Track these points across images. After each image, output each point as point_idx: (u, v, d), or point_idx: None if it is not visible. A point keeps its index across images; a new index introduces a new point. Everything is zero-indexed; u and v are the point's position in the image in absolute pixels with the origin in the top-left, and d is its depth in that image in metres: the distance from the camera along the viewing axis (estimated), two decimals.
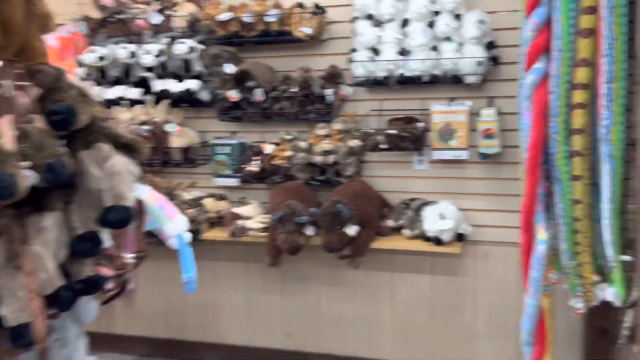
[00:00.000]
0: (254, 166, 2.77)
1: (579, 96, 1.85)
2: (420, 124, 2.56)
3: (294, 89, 2.70)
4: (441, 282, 2.80)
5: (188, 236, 1.75)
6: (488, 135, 2.48)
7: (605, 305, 2.13)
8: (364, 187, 2.60)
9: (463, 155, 2.55)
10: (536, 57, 1.90)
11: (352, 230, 2.43)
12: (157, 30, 2.84)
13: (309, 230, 2.52)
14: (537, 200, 1.94)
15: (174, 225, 1.64)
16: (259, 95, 2.68)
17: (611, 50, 1.62)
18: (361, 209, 2.50)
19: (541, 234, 1.91)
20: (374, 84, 2.63)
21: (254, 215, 2.77)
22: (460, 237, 2.49)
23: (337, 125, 2.73)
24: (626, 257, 1.78)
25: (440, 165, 2.72)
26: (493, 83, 2.58)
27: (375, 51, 2.60)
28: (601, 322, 2.34)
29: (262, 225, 2.68)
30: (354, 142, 2.66)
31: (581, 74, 1.83)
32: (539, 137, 1.89)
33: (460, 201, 2.69)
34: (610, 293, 1.77)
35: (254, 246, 2.94)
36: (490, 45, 2.45)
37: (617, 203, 1.71)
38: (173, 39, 2.76)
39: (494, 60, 2.52)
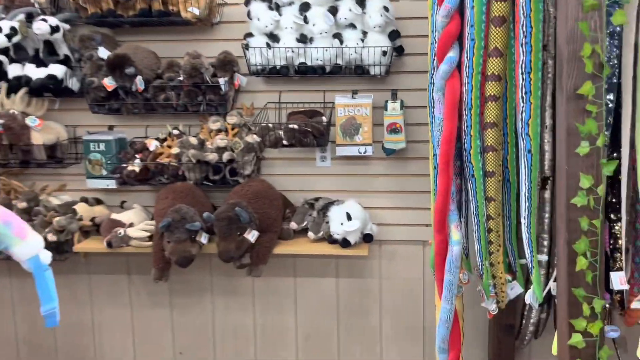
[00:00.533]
0: (135, 165, 2.40)
1: (492, 88, 1.75)
2: (323, 118, 2.37)
3: (182, 78, 2.38)
4: (346, 285, 2.65)
5: (46, 258, 1.39)
6: (394, 130, 2.35)
7: (511, 302, 2.10)
8: (264, 187, 2.35)
9: (368, 151, 2.40)
10: (449, 46, 1.78)
11: (252, 236, 2.18)
12: (9, 5, 2.36)
13: (202, 238, 2.22)
14: (451, 199, 1.82)
15: (26, 246, 1.28)
16: (138, 83, 2.32)
17: (528, 39, 1.53)
18: (262, 211, 2.26)
19: (455, 234, 1.80)
20: (272, 73, 2.39)
21: (136, 222, 2.41)
22: (367, 238, 2.34)
23: (232, 119, 2.45)
24: (542, 257, 1.72)
25: (345, 162, 2.55)
26: (398, 75, 2.46)
27: (273, 37, 2.36)
28: (507, 319, 2.32)
29: (146, 234, 2.34)
30: (252, 138, 2.40)
31: (493, 65, 1.74)
32: (452, 131, 1.77)
33: (366, 199, 2.55)
34: (528, 294, 1.69)
35: (138, 256, 2.58)
36: (394, 35, 2.31)
37: (533, 201, 1.63)
38: (30, 15, 2.31)
39: (399, 51, 2.40)
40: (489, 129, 1.77)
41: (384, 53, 2.28)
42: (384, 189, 2.55)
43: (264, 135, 2.34)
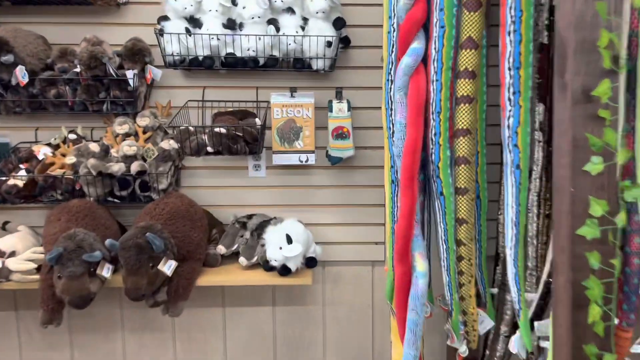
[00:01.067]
0: (18, 178, 1.90)
1: (464, 87, 1.44)
2: (257, 120, 1.97)
3: (78, 69, 1.91)
4: (284, 314, 2.27)
5: None
6: (340, 135, 2.00)
7: None
8: (184, 204, 1.92)
9: (310, 159, 2.04)
10: (412, 34, 1.44)
11: (168, 267, 1.75)
12: None
13: (105, 271, 1.77)
14: (415, 221, 1.49)
15: None
16: (19, 75, 1.83)
17: (518, 26, 1.21)
18: (181, 235, 1.83)
19: (420, 265, 1.47)
20: (193, 65, 1.97)
21: (21, 249, 1.91)
22: (310, 263, 1.98)
23: (143, 120, 2.00)
24: (532, 295, 1.42)
25: (283, 172, 2.17)
26: (343, 70, 2.11)
27: (194, 21, 1.94)
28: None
29: (32, 265, 1.85)
30: (168, 143, 1.97)
31: (467, 58, 1.43)
32: (417, 140, 1.44)
33: (307, 214, 2.18)
34: (514, 342, 1.39)
35: (27, 289, 2.07)
36: (340, 23, 1.96)
37: (521, 227, 1.33)
38: None
39: (344, 42, 2.05)
40: (461, 137, 1.45)
41: (329, 44, 1.93)
42: (328, 202, 2.20)
43: (183, 140, 1.92)
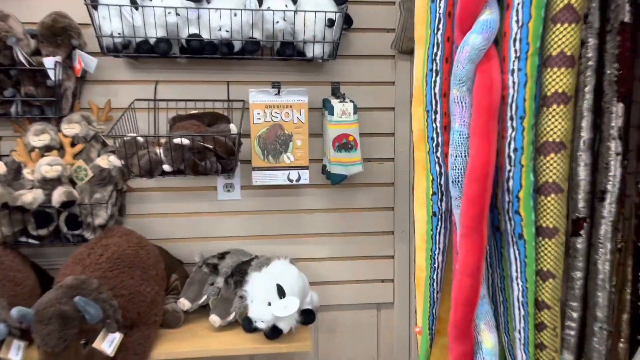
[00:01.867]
0: None
1: (559, 79, 0.97)
2: (231, 127, 1.45)
3: None
4: None
5: None
6: (344, 145, 1.50)
7: None
8: (131, 245, 1.37)
9: (303, 177, 1.53)
10: (482, 1, 0.96)
11: (109, 343, 1.20)
12: None
13: (13, 353, 1.20)
14: (481, 278, 1.01)
15: None
16: None
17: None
18: (128, 292, 1.28)
19: (488, 340, 1.02)
20: (143, 51, 1.42)
21: None
22: (307, 318, 1.46)
23: (71, 128, 1.44)
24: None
25: (263, 193, 1.66)
26: (342, 61, 1.62)
27: None
28: None
29: None
30: (108, 161, 1.42)
31: (565, 37, 0.96)
32: (490, 158, 0.96)
33: (295, 247, 1.68)
34: None
35: None
36: None
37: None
38: None
39: (347, 22, 1.55)
40: (552, 154, 0.98)
41: (330, 22, 1.42)
42: (323, 230, 1.70)
43: (129, 156, 1.36)
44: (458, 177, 1.01)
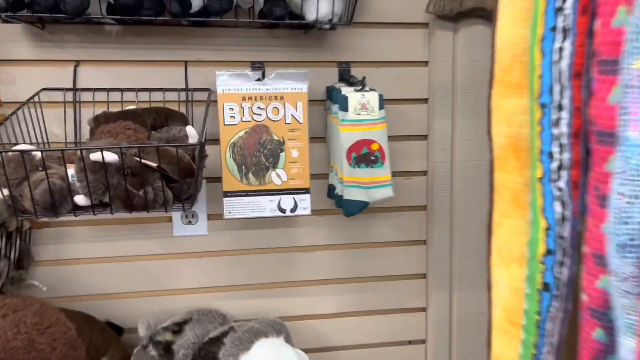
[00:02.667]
0: None
1: None
2: (189, 131, 0.91)
3: None
4: None
5: None
6: (366, 157, 0.98)
7: None
8: (21, 329, 0.83)
9: (302, 205, 1.01)
10: None
11: None
12: None
13: None
14: None
15: None
16: None
17: None
18: None
19: None
20: (48, 11, 0.88)
21: None
22: None
23: None
24: None
25: (240, 225, 1.13)
26: (357, 30, 1.10)
27: None
28: None
29: None
30: None
31: None
32: None
33: (289, 301, 1.17)
34: None
35: None
36: None
37: None
38: None
39: None
40: None
41: None
42: (328, 275, 1.19)
43: (17, 182, 0.82)
44: (635, 238, 0.51)
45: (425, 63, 1.16)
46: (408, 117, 1.17)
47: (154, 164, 0.84)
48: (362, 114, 0.97)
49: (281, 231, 1.16)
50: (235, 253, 1.15)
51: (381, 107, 0.98)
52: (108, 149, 0.81)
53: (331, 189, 1.08)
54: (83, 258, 1.10)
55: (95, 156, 0.80)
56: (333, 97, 1.03)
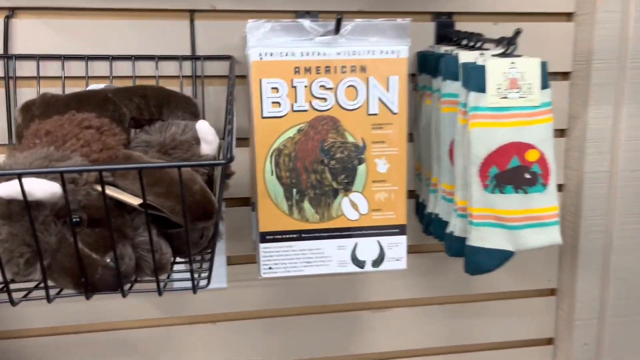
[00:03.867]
0: None
1: None
2: (202, 130, 0.49)
3: None
4: None
5: None
6: (517, 173, 0.56)
7: None
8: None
9: (394, 256, 0.59)
10: None
11: None
12: None
13: None
14: None
15: None
16: None
17: None
18: None
19: None
20: None
21: None
22: None
23: None
24: None
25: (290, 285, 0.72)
26: None
27: None
28: None
29: None
30: None
31: None
32: None
33: None
34: None
35: None
36: None
37: None
38: None
39: None
40: None
41: None
42: (413, 345, 0.78)
43: None
44: None
45: (569, 16, 0.74)
46: None
47: (133, 200, 0.42)
48: (510, 96, 0.54)
49: (341, 281, 0.74)
50: (268, 313, 0.74)
51: (544, 86, 0.55)
52: (34, 173, 0.39)
53: (433, 222, 0.65)
54: (34, 329, 0.69)
55: (7, 190, 0.38)
56: (442, 67, 0.60)
